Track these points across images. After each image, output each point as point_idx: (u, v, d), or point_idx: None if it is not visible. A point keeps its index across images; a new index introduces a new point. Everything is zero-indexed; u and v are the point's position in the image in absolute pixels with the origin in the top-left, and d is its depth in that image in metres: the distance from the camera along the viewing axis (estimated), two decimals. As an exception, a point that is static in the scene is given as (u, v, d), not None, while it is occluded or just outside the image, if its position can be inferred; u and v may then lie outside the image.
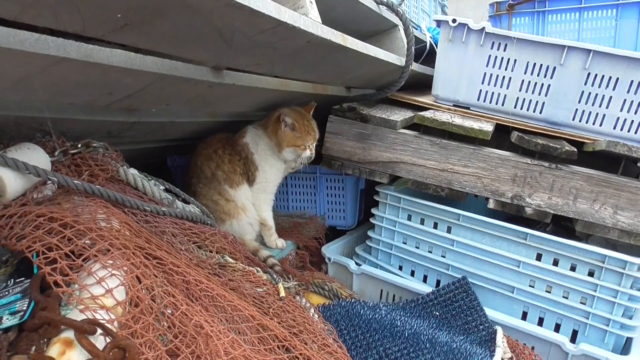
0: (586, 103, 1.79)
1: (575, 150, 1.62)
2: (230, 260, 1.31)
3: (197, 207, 1.48)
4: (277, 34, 1.02)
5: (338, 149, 1.95)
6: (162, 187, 1.41)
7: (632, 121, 1.74)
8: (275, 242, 1.95)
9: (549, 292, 1.59)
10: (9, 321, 0.77)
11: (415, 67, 2.18)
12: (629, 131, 1.76)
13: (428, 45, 2.57)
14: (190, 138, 1.97)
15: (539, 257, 1.59)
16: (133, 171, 1.35)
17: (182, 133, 1.88)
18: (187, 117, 1.64)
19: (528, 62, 1.82)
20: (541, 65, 1.81)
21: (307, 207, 2.32)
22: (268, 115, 1.86)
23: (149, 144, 1.84)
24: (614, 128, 1.77)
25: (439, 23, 2.05)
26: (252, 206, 1.90)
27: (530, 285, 1.61)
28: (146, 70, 1.07)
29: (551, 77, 1.81)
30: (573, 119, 1.82)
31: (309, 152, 1.85)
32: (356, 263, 1.91)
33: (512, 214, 1.70)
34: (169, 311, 0.89)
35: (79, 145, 1.24)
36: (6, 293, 0.83)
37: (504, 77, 1.88)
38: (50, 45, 0.87)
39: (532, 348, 1.51)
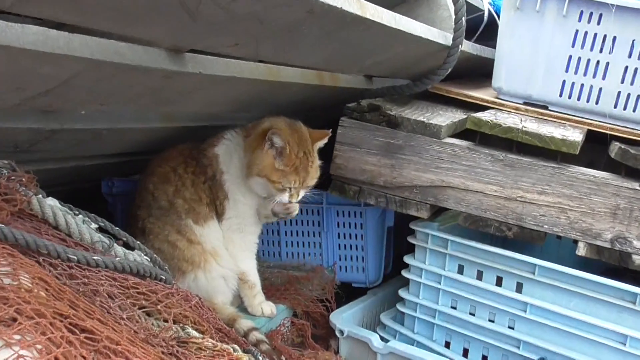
0: None
1: None
2: (195, 333, 1.30)
3: (145, 254, 1.48)
4: (263, 1, 1.04)
5: (354, 168, 1.95)
6: (94, 225, 1.41)
7: None
8: (261, 306, 1.93)
9: (672, 383, 1.57)
10: None
11: (468, 47, 2.19)
12: None
13: (486, 15, 2.59)
14: (136, 153, 1.98)
15: (655, 330, 1.58)
16: (52, 202, 1.35)
17: (124, 145, 1.89)
18: (131, 122, 1.65)
19: (634, 40, 1.83)
20: (654, 44, 1.82)
21: (309, 254, 2.31)
22: (258, 121, 1.86)
23: (76, 162, 1.84)
24: None
25: (501, -16, 2.07)
26: (227, 252, 1.91)
27: (642, 372, 1.59)
28: (73, 54, 1.08)
29: (669, 62, 1.82)
30: (703, 125, 1.83)
31: (286, 197, 1.80)
32: (382, 338, 1.89)
33: (613, 264, 1.69)
34: (103, 411, 0.88)
35: (-28, 164, 1.25)
36: None
37: (598, 62, 1.89)
38: None
39: None
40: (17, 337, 0.87)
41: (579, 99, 1.93)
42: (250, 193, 1.88)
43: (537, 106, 2.00)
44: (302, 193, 1.84)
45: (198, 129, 1.94)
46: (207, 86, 1.54)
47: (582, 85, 1.92)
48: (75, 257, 1.21)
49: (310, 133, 1.85)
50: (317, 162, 1.87)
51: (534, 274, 1.70)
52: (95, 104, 1.42)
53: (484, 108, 2.05)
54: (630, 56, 1.84)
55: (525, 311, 1.72)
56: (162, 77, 1.35)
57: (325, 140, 1.89)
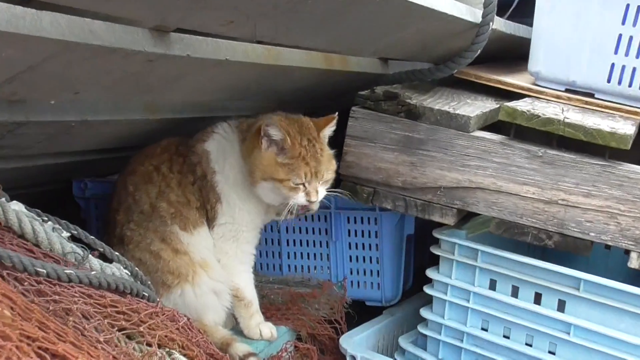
0: None
1: None
2: (183, 359, 1.31)
3: (125, 267, 1.49)
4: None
5: (368, 166, 1.96)
6: (65, 234, 1.42)
7: None
8: (259, 328, 1.94)
9: None
10: None
11: (500, 24, 2.19)
12: None
13: (521, -13, 2.60)
14: (113, 149, 1.98)
15: None
16: (17, 206, 1.35)
17: (99, 141, 1.89)
18: (108, 114, 1.66)
19: (695, 15, 1.83)
20: None
21: (315, 267, 2.32)
22: (253, 120, 1.87)
23: (45, 160, 1.85)
24: None
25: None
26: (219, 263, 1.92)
27: None
28: (41, 35, 1.08)
29: None
30: None
31: (302, 197, 1.79)
32: (400, 364, 1.90)
33: (672, 278, 1.69)
34: None
35: None
36: None
37: (653, 41, 1.89)
38: None
39: None
40: (-21, 362, 0.87)
41: (630, 85, 1.93)
42: (252, 199, 1.89)
43: (581, 94, 2.00)
44: (321, 191, 1.82)
45: (185, 121, 1.95)
46: (196, 71, 1.55)
47: (634, 69, 1.92)
48: (45, 271, 1.22)
49: (315, 122, 1.85)
50: (329, 151, 1.87)
51: (578, 289, 1.69)
52: (66, 92, 1.42)
53: (519, 96, 2.05)
54: (691, 35, 1.85)
55: (568, 333, 1.72)
56: (144, 61, 1.35)
57: (333, 126, 1.88)
